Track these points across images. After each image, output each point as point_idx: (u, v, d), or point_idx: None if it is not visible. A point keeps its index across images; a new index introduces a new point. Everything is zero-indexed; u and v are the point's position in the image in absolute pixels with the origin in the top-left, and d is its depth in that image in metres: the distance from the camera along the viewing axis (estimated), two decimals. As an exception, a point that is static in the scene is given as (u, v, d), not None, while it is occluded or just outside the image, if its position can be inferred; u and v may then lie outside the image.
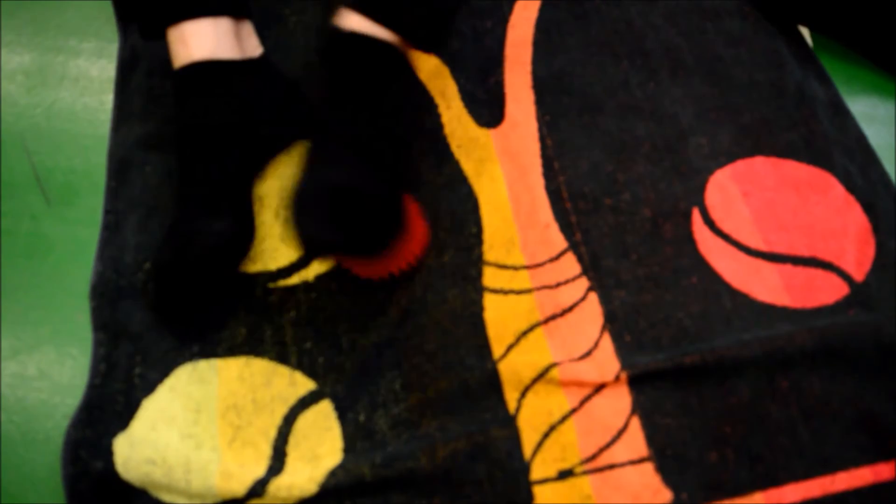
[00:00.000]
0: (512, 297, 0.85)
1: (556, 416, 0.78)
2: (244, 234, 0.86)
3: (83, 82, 1.01)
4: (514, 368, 0.81)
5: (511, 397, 0.79)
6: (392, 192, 0.84)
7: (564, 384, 0.80)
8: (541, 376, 0.80)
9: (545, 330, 0.83)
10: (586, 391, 0.80)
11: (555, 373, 0.80)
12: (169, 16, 0.83)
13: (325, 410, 0.79)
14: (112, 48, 1.04)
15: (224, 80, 0.84)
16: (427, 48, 0.86)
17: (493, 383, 0.80)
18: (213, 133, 0.83)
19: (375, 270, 0.86)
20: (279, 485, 0.73)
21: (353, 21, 0.81)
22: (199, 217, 0.82)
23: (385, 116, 0.84)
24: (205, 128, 0.83)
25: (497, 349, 0.82)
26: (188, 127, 0.84)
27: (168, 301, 0.82)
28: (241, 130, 0.86)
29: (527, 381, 0.80)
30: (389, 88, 0.84)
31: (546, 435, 0.77)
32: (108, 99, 1.00)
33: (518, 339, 0.83)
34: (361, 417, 0.78)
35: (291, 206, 0.78)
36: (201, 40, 0.83)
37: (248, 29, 0.89)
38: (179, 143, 0.84)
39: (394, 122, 0.85)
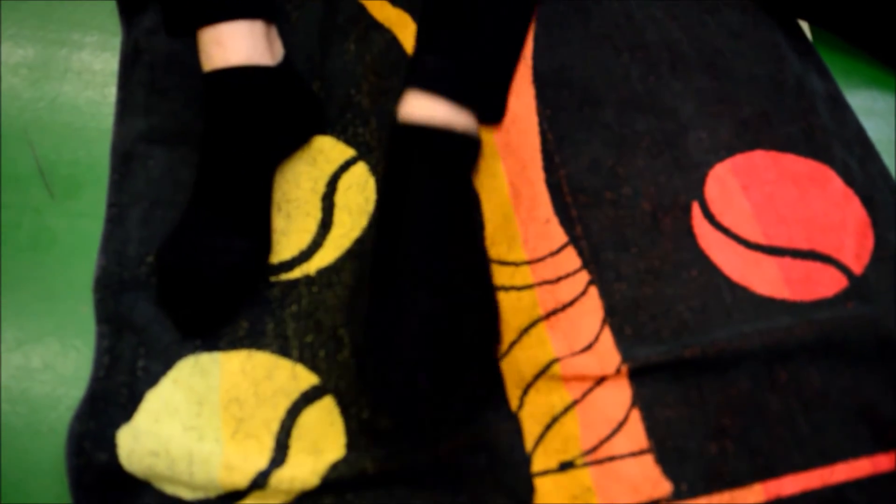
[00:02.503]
0: (513, 293, 0.86)
1: (559, 408, 0.79)
2: (263, 248, 0.86)
3: (86, 76, 1.01)
4: (516, 365, 0.81)
5: (513, 394, 0.80)
6: (489, 350, 0.77)
7: (566, 379, 0.80)
8: (542, 372, 0.80)
9: (547, 325, 0.84)
10: (588, 384, 0.80)
11: (556, 368, 0.80)
12: (205, 15, 0.82)
13: (328, 406, 0.79)
14: (115, 41, 1.04)
15: (259, 89, 0.83)
16: (495, 122, 0.80)
17: (495, 380, 0.81)
18: (242, 142, 0.83)
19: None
20: (281, 477, 0.73)
21: (418, 108, 0.74)
22: (219, 232, 0.82)
23: (467, 233, 0.76)
24: (235, 137, 0.83)
25: (500, 346, 0.83)
26: (218, 134, 0.83)
27: (180, 307, 0.82)
28: (267, 140, 0.86)
29: (529, 377, 0.80)
30: (468, 190, 0.78)
31: (548, 427, 0.78)
32: (112, 92, 1.00)
33: (520, 336, 0.83)
34: (365, 414, 0.79)
35: (371, 371, 0.71)
36: (238, 43, 0.82)
37: (275, 32, 0.89)
38: (205, 146, 0.84)
39: (476, 236, 0.78)
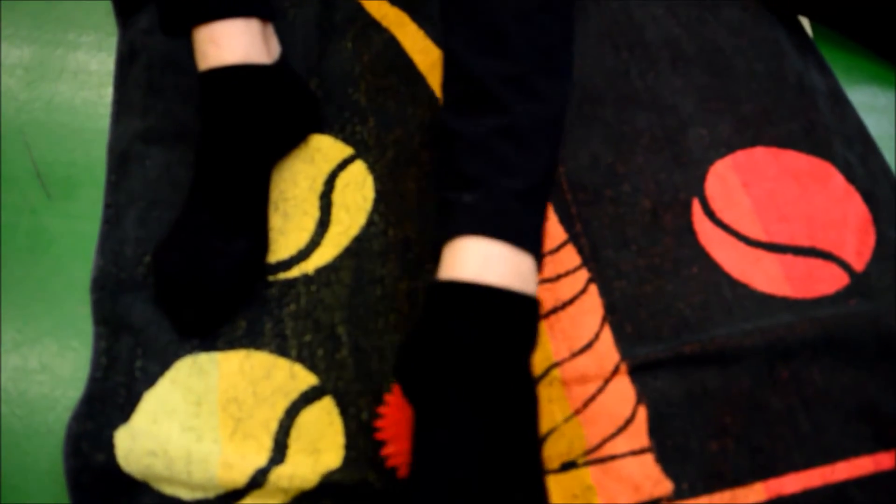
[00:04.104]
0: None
1: (559, 419, 0.78)
2: (261, 248, 0.85)
3: (82, 76, 1.01)
4: None
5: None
6: None
7: (566, 383, 0.80)
8: (542, 377, 0.80)
9: (546, 325, 0.83)
10: (589, 391, 0.79)
11: (556, 373, 0.80)
12: (200, 14, 0.81)
13: (327, 407, 0.79)
14: (111, 41, 1.04)
15: (256, 88, 0.83)
16: (539, 270, 0.69)
17: None
18: (239, 142, 0.83)
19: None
20: (280, 475, 0.73)
21: (470, 260, 0.62)
22: (216, 232, 0.82)
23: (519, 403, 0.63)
24: (232, 137, 0.82)
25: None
26: (215, 134, 0.82)
27: (178, 307, 0.82)
28: (265, 139, 0.85)
29: None
30: (529, 377, 0.65)
31: (546, 437, 0.77)
32: (108, 92, 1.00)
33: None
34: (364, 415, 0.78)
35: None
36: (233, 42, 0.81)
37: (271, 30, 0.88)
38: (202, 146, 0.83)
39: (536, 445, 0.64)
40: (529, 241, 0.64)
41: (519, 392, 0.63)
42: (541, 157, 0.67)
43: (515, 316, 0.62)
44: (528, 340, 0.64)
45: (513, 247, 0.63)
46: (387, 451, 0.76)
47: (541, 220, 0.68)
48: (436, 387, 0.61)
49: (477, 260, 0.62)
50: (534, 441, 0.64)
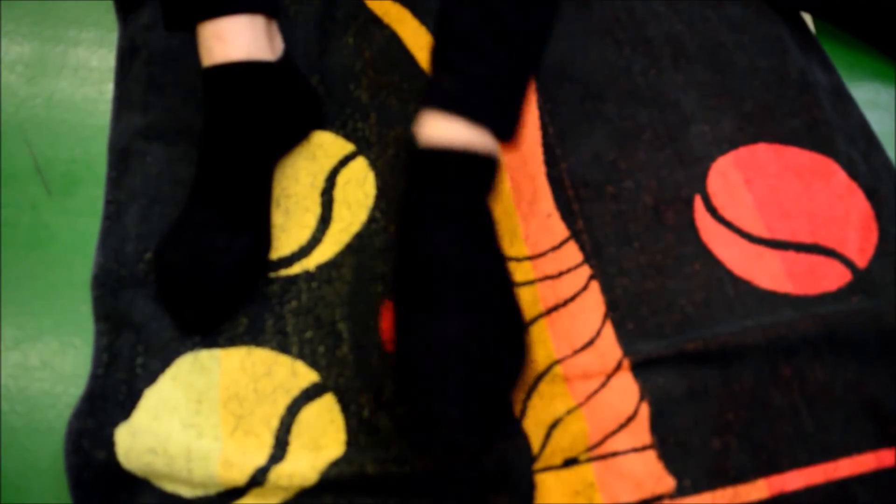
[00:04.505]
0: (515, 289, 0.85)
1: (562, 413, 0.78)
2: (263, 245, 0.85)
3: (83, 72, 1.01)
4: None
5: (516, 398, 0.79)
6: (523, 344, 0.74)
7: (568, 379, 0.80)
8: (544, 374, 0.80)
9: (548, 321, 0.83)
10: (592, 386, 0.79)
11: (558, 370, 0.80)
12: (206, 9, 0.81)
13: (328, 404, 0.79)
14: (111, 38, 1.04)
15: (259, 84, 0.83)
16: (508, 139, 0.77)
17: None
18: (242, 138, 0.83)
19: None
20: (280, 472, 0.73)
21: (438, 131, 0.73)
22: (218, 229, 0.82)
23: (488, 241, 0.74)
24: (236, 133, 0.82)
25: (500, 344, 0.82)
26: (219, 130, 0.82)
27: (180, 304, 0.82)
28: (267, 136, 0.85)
29: (530, 380, 0.80)
30: (488, 212, 0.76)
31: (551, 430, 0.77)
32: (108, 89, 1.00)
33: None
34: (365, 412, 0.78)
35: (409, 375, 0.69)
36: (238, 38, 0.81)
37: (275, 27, 0.88)
38: (205, 142, 0.83)
39: (500, 259, 0.75)
40: (486, 116, 0.73)
41: (481, 221, 0.75)
42: (514, 49, 0.75)
43: (470, 167, 0.73)
44: (485, 185, 0.75)
45: (470, 120, 0.73)
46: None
47: (509, 98, 0.76)
48: (413, 222, 0.73)
49: (442, 129, 0.73)
50: (501, 261, 0.75)
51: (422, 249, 0.71)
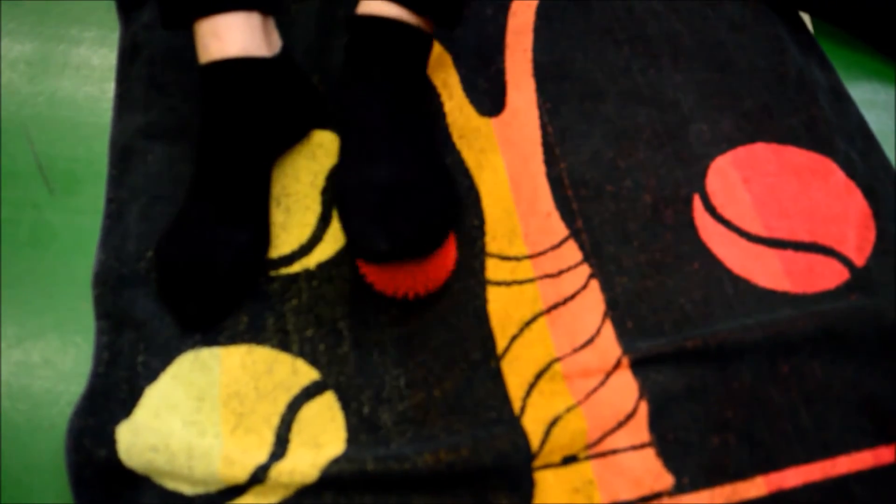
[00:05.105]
0: (515, 287, 0.85)
1: (561, 410, 0.78)
2: (262, 241, 0.85)
3: (85, 71, 1.01)
4: (517, 367, 0.80)
5: (516, 395, 0.79)
6: (449, 187, 0.85)
7: (568, 377, 0.80)
8: (544, 371, 0.80)
9: (548, 320, 0.83)
10: (591, 384, 0.80)
11: (557, 367, 0.80)
12: (201, 7, 0.81)
13: (329, 402, 0.79)
14: (113, 37, 1.04)
15: (257, 80, 0.83)
16: (450, 26, 0.88)
17: (497, 382, 0.80)
18: (241, 135, 0.83)
19: (395, 284, 0.86)
20: (281, 469, 0.73)
21: (375, 7, 0.82)
22: (218, 226, 0.82)
23: (419, 103, 0.85)
24: (233, 129, 0.82)
25: (501, 342, 0.82)
26: (216, 126, 0.83)
27: (181, 302, 0.82)
28: (266, 133, 0.85)
29: (530, 377, 0.80)
30: (419, 74, 0.86)
31: (550, 428, 0.77)
32: (110, 87, 1.00)
33: (521, 330, 0.83)
34: (365, 410, 0.78)
35: (345, 206, 0.79)
36: (235, 35, 0.81)
37: (272, 23, 0.88)
38: (203, 140, 0.83)
39: (426, 111, 0.86)
40: (430, 9, 0.84)
41: (419, 83, 0.87)
42: None
43: (410, 36, 0.84)
44: (417, 53, 0.85)
45: (407, 9, 0.83)
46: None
47: None
48: (353, 80, 0.85)
49: (380, 8, 0.83)
50: (429, 122, 0.89)
51: (356, 110, 0.83)
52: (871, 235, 0.90)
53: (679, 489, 0.75)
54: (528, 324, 0.83)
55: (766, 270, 0.87)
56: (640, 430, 0.77)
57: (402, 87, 0.84)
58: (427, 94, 0.92)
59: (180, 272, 0.81)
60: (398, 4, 0.82)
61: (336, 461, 0.74)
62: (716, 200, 0.92)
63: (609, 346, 0.82)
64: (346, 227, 0.78)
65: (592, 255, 0.88)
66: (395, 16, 0.82)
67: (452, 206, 0.86)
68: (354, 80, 0.84)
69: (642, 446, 0.77)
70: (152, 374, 0.79)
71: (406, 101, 0.85)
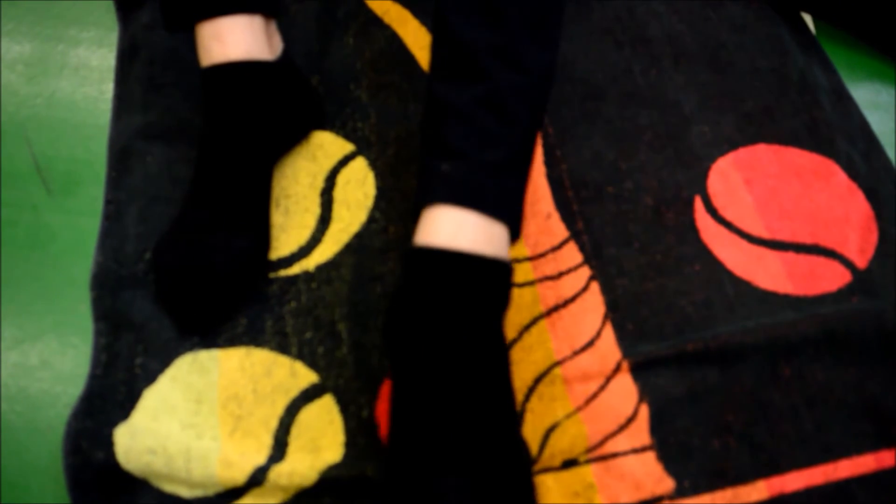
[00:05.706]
0: (514, 290, 0.85)
1: (560, 416, 0.78)
2: (262, 245, 0.85)
3: (83, 72, 1.01)
4: (516, 371, 0.80)
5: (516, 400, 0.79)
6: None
7: (568, 381, 0.79)
8: (544, 375, 0.80)
9: (548, 322, 0.83)
10: (591, 388, 0.79)
11: (557, 371, 0.80)
12: (204, 9, 0.81)
13: (327, 405, 0.79)
14: (112, 37, 1.04)
15: (258, 84, 0.83)
16: (515, 237, 0.71)
17: None
18: (242, 138, 0.82)
19: None
20: (279, 472, 0.73)
21: (443, 225, 0.65)
22: (217, 229, 0.81)
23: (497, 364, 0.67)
24: (234, 133, 0.82)
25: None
26: (217, 129, 0.82)
27: (179, 304, 0.82)
28: (267, 135, 0.85)
29: (530, 381, 0.80)
30: (501, 336, 0.68)
31: (548, 433, 0.77)
32: (109, 88, 1.00)
33: (521, 334, 0.82)
34: (364, 413, 0.78)
35: None
36: (237, 38, 0.81)
37: (274, 26, 0.88)
38: (204, 142, 0.83)
39: (510, 399, 0.67)
40: (502, 209, 0.66)
41: (491, 351, 0.66)
42: (521, 127, 0.69)
43: (485, 279, 0.65)
44: (500, 302, 0.67)
45: (484, 215, 0.66)
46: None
47: (519, 186, 0.70)
48: (411, 348, 0.65)
49: (450, 227, 0.65)
50: (509, 398, 0.67)
51: (423, 372, 0.63)
52: (873, 237, 0.89)
53: (680, 493, 0.74)
54: (527, 327, 0.83)
55: (768, 272, 0.87)
56: (640, 433, 0.77)
57: (485, 348, 0.66)
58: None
59: (178, 276, 0.81)
60: (472, 212, 0.64)
61: (335, 466, 0.74)
62: (717, 202, 0.91)
63: (609, 348, 0.81)
64: None
65: (593, 256, 0.87)
66: (469, 242, 0.64)
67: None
68: (422, 332, 0.64)
69: (643, 450, 0.76)
70: (150, 377, 0.79)
71: (490, 372, 0.66)
